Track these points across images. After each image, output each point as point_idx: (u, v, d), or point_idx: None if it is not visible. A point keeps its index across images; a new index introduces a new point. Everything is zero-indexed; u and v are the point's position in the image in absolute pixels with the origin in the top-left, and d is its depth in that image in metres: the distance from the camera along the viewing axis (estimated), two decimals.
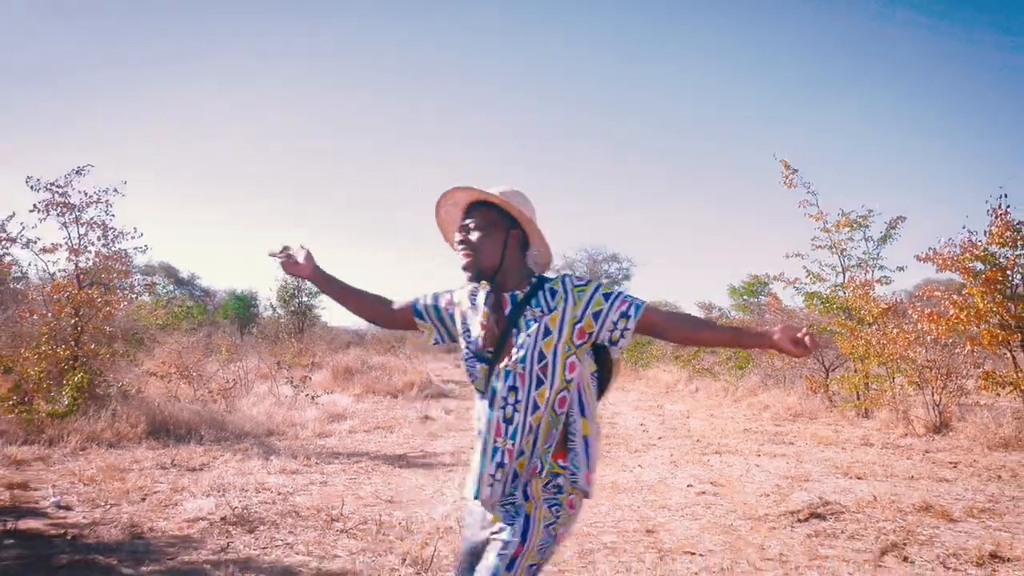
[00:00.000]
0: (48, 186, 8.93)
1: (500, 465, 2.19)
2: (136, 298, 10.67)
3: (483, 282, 2.36)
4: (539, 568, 2.13)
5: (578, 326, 2.22)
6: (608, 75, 55.89)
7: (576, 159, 64.60)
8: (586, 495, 2.23)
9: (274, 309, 22.48)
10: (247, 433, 8.66)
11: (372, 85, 56.70)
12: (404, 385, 14.59)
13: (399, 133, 59.91)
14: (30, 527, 4.69)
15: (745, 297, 23.44)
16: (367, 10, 52.92)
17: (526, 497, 2.17)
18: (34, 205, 8.87)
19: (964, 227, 9.07)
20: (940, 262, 9.06)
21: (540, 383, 2.20)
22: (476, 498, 2.23)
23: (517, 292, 2.32)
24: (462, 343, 2.38)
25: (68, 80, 44.81)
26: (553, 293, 2.27)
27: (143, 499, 5.53)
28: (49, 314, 8.93)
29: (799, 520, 5.06)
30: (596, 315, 2.22)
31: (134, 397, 8.97)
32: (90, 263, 9.07)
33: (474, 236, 2.31)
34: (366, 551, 4.32)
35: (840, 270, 12.49)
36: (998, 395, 9.24)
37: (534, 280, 2.33)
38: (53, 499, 5.45)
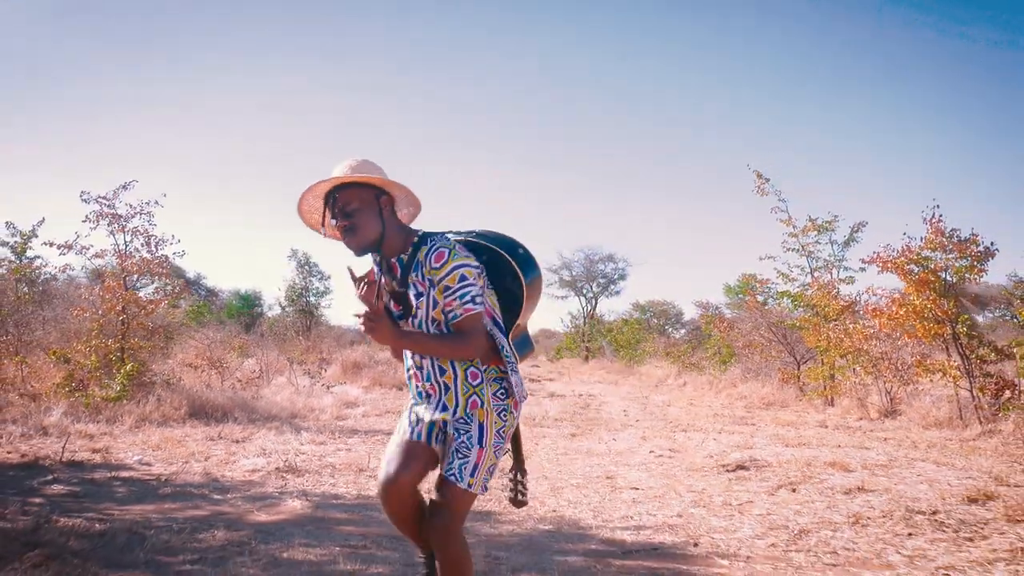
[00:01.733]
0: (98, 199, 10.54)
1: (427, 398, 2.70)
2: (175, 300, 12.30)
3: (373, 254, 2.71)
4: (495, 468, 2.62)
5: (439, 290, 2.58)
6: (604, 75, 57.44)
7: (572, 159, 66.15)
8: (519, 398, 2.69)
9: (283, 308, 24.10)
10: (274, 415, 10.23)
11: (373, 84, 58.25)
12: None
13: (398, 133, 61.40)
14: (129, 475, 6.27)
15: (739, 296, 24.99)
16: (372, 10, 54.48)
17: (468, 416, 2.62)
18: (86, 216, 10.47)
19: (904, 233, 10.64)
20: (881, 264, 10.63)
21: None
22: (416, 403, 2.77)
23: (403, 255, 2.66)
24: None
25: (72, 77, 46.41)
26: (422, 265, 2.59)
27: (206, 459, 7.10)
28: (99, 311, 10.52)
29: (727, 470, 6.64)
30: (445, 290, 2.55)
31: (175, 385, 10.57)
32: (135, 267, 10.67)
33: (353, 216, 2.57)
34: None
35: (808, 271, 14.07)
36: (931, 381, 10.78)
37: (415, 241, 2.65)
38: (136, 457, 7.05)
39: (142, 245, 10.70)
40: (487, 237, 2.82)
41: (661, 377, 20.89)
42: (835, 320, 12.62)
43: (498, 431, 2.62)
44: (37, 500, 5.22)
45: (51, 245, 10.56)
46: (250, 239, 62.61)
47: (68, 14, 47.36)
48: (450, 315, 2.56)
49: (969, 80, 46.27)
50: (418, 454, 2.65)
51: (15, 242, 15.36)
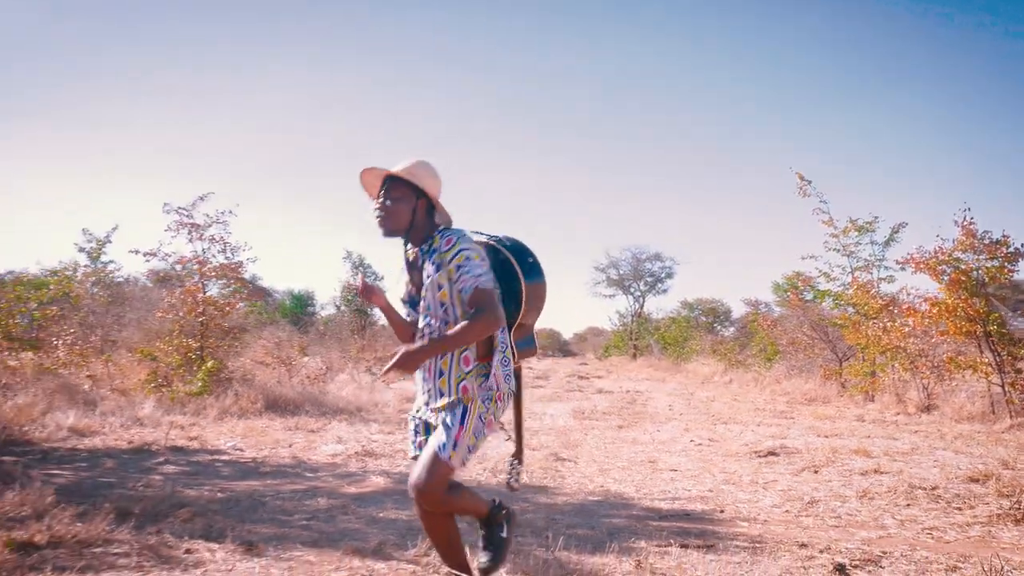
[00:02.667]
0: (178, 210, 11.66)
1: (424, 379, 3.02)
2: (250, 302, 13.45)
3: (400, 239, 3.10)
4: (475, 448, 2.92)
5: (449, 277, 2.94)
6: (652, 74, 57.92)
7: (622, 159, 66.75)
8: (498, 387, 2.99)
9: (338, 308, 25.28)
10: (342, 409, 11.25)
11: (425, 82, 59.43)
12: None
13: (447, 132, 62.51)
14: (227, 458, 7.30)
15: (786, 294, 25.60)
16: (431, 8, 55.69)
17: (458, 394, 2.93)
18: (168, 226, 11.60)
19: (937, 235, 11.34)
20: (915, 265, 11.34)
21: (446, 322, 2.96)
22: (418, 411, 3.11)
23: (424, 247, 3.05)
24: (401, 294, 3.18)
25: (127, 74, 48.35)
26: (434, 251, 2.98)
27: (290, 445, 8.12)
28: (180, 314, 11.64)
29: (759, 456, 7.48)
30: (450, 281, 2.94)
31: (250, 381, 11.65)
32: (212, 272, 11.79)
33: (388, 204, 3.01)
34: None
35: (849, 270, 14.74)
36: (963, 378, 11.45)
37: (432, 236, 3.05)
38: (229, 444, 8.09)
39: (219, 251, 11.81)
40: (503, 242, 3.23)
41: (707, 374, 21.62)
42: (875, 318, 13.31)
43: (479, 416, 2.92)
44: (158, 477, 6.24)
45: (137, 252, 11.70)
46: (302, 238, 64.31)
47: (123, 12, 49.27)
48: (463, 291, 2.90)
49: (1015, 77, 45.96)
50: None
51: (91, 248, 16.71)
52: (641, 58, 57.18)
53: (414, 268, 3.09)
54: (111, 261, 17.23)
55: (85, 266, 16.67)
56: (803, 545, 4.19)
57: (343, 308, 24.29)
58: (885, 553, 4.03)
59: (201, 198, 11.70)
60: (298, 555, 3.94)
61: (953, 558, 3.92)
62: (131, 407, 9.95)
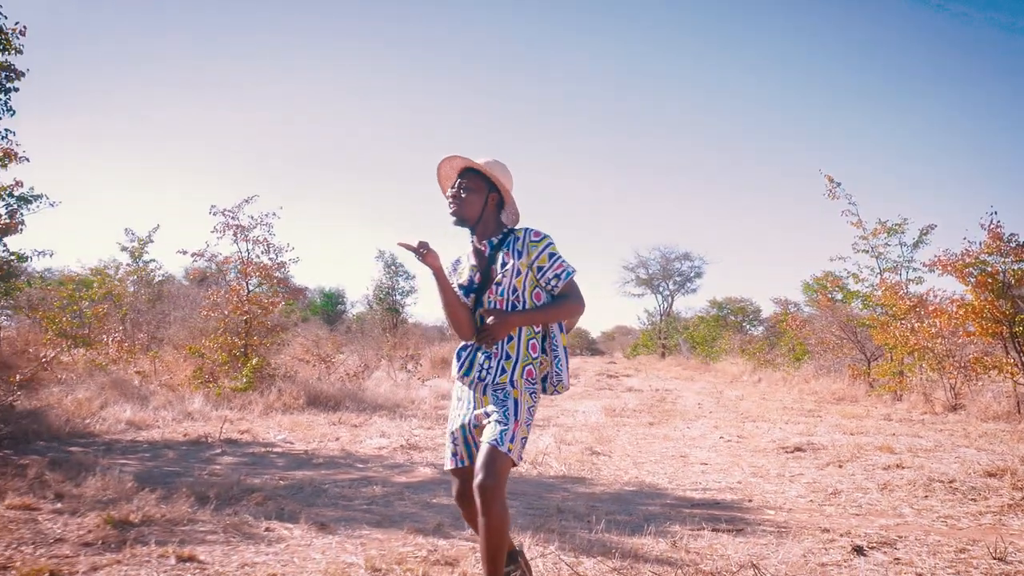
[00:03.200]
0: (223, 212, 12.21)
1: (488, 358, 3.07)
2: (291, 302, 14.02)
3: (467, 230, 3.23)
4: (525, 442, 3.00)
5: (532, 272, 3.11)
6: (680, 74, 58.05)
7: (650, 158, 66.89)
8: (566, 388, 3.18)
9: (371, 306, 25.88)
10: (380, 405, 11.75)
11: (459, 80, 59.98)
12: None
13: (478, 130, 63.00)
14: (280, 450, 7.80)
15: (816, 295, 25.88)
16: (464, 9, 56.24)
17: (512, 385, 3.01)
18: (214, 227, 12.16)
19: (964, 238, 11.65)
20: (942, 267, 11.66)
21: (514, 306, 3.09)
22: (466, 375, 3.13)
23: (492, 239, 3.20)
24: (455, 281, 3.23)
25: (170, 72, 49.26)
26: (516, 240, 3.14)
27: (337, 439, 8.61)
28: (225, 312, 12.20)
29: (786, 451, 7.87)
30: (540, 269, 3.10)
31: (292, 377, 12.19)
32: (256, 272, 12.35)
33: (462, 193, 3.16)
34: None
35: (878, 271, 15.06)
36: (989, 378, 11.76)
37: (505, 231, 3.22)
38: (280, 436, 8.60)
39: (263, 252, 12.36)
40: None
41: (736, 374, 21.97)
42: (903, 319, 13.62)
43: (528, 409, 3.03)
44: (218, 466, 6.74)
45: (184, 253, 12.28)
46: (333, 236, 65.01)
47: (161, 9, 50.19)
48: (561, 275, 3.11)
49: None
50: (471, 478, 2.97)
51: (133, 247, 17.33)
52: (671, 58, 57.30)
53: (481, 257, 3.19)
54: (152, 260, 17.92)
55: (127, 264, 17.36)
56: (825, 530, 4.60)
57: (375, 306, 24.87)
58: (900, 537, 4.43)
59: (247, 200, 12.25)
60: (366, 533, 4.41)
61: (963, 542, 4.31)
62: (180, 402, 10.50)
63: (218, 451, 7.59)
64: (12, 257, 8.95)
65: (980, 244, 11.33)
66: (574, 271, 3.15)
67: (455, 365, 3.22)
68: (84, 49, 45.94)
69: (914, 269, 14.66)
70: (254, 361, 11.60)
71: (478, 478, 2.83)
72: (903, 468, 6.76)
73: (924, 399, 12.79)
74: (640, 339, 44.10)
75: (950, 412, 11.89)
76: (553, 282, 3.11)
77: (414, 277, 25.54)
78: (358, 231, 67.23)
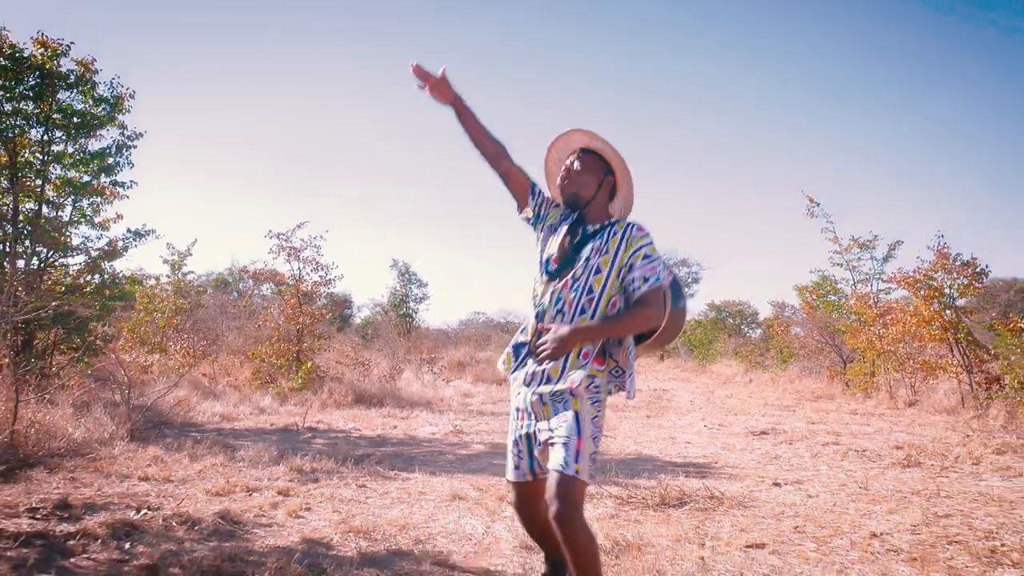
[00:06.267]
0: (277, 235, 14.93)
1: (537, 376, 3.09)
2: (337, 312, 16.76)
3: (574, 211, 3.23)
4: (596, 455, 2.96)
5: (622, 271, 3.05)
6: (679, 77, 60.78)
7: (649, 164, 69.68)
8: (631, 396, 3.08)
9: (385, 312, 28.59)
10: (415, 402, 14.43)
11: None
12: None
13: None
14: (355, 435, 10.50)
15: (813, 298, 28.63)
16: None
17: (572, 394, 2.97)
18: (269, 249, 14.89)
19: (918, 257, 14.42)
20: (897, 283, 14.43)
21: (583, 312, 3.03)
22: (514, 372, 3.21)
23: (590, 227, 3.17)
24: (537, 248, 3.25)
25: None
26: (614, 235, 3.08)
27: (394, 427, 11.30)
28: (280, 322, 14.91)
29: (753, 435, 10.61)
30: (630, 268, 3.04)
31: (340, 378, 14.91)
32: (307, 287, 15.07)
33: (582, 173, 3.19)
34: None
35: (852, 283, 17.85)
36: (936, 378, 14.52)
37: (606, 222, 3.17)
38: (350, 426, 11.30)
39: (312, 270, 15.09)
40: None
41: (729, 375, 24.74)
42: (871, 326, 16.38)
43: (592, 420, 2.96)
44: (317, 445, 9.43)
45: (253, 275, 15.01)
46: (339, 240, 67.53)
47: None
48: (649, 279, 3.02)
49: None
50: (531, 493, 3.14)
51: (174, 260, 20.00)
52: (667, 60, 60.06)
53: (572, 239, 3.17)
54: (190, 271, 20.58)
55: (166, 276, 20.03)
56: (761, 477, 7.33)
57: (390, 312, 27.56)
58: (808, 479, 7.18)
59: (299, 225, 14.99)
60: (461, 476, 7.13)
61: (846, 480, 7.06)
62: (250, 400, 13.20)
63: (309, 435, 10.27)
64: (124, 280, 11.67)
65: (928, 263, 14.09)
66: (667, 279, 3.11)
67: (509, 360, 3.28)
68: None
69: (883, 281, 17.44)
70: (308, 365, 14.30)
71: (553, 509, 2.80)
72: (837, 444, 9.49)
73: (889, 396, 15.52)
74: None
75: (909, 407, 14.61)
76: (638, 283, 3.03)
77: (426, 284, 28.27)
78: (361, 235, 69.92)
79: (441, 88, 3.26)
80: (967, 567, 4.34)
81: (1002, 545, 4.74)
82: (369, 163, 69.00)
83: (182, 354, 15.35)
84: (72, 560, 4.22)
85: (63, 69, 10.92)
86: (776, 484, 6.91)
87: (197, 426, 10.79)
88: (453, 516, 5.59)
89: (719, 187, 69.21)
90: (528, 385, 3.13)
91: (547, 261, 3.17)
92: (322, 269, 15.13)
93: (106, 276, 11.61)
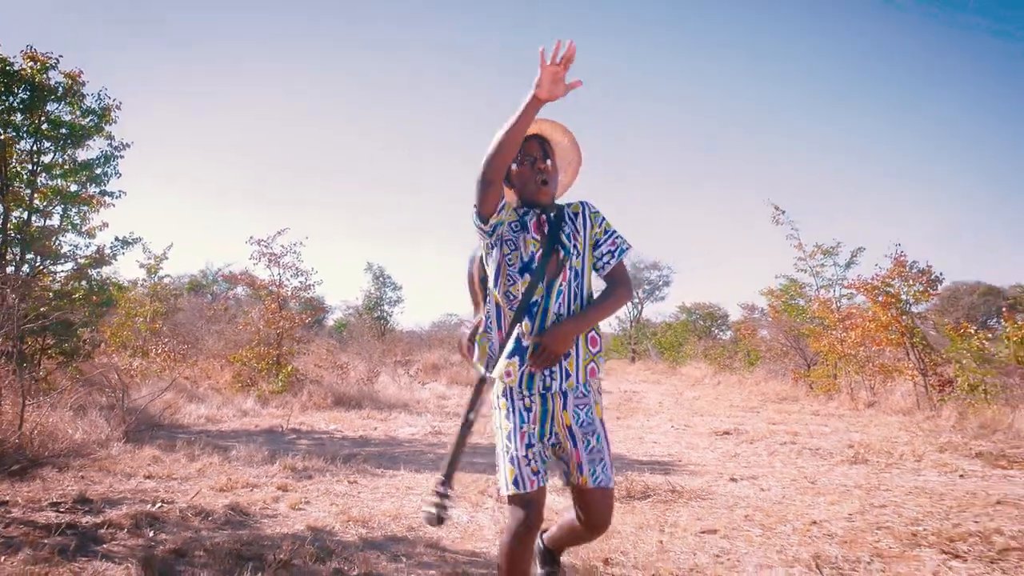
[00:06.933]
0: (258, 242, 15.49)
1: (536, 379, 3.02)
2: (316, 317, 17.34)
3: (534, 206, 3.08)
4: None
5: (591, 249, 3.06)
6: (647, 80, 61.72)
7: (622, 168, 70.68)
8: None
9: (359, 315, 29.19)
10: (392, 404, 15.03)
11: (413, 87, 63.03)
12: None
13: (453, 131, 66.10)
14: (339, 436, 11.10)
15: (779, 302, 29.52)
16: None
17: (585, 392, 3.00)
18: (251, 255, 15.46)
19: (876, 264, 15.25)
20: (857, 289, 15.25)
21: (577, 298, 3.00)
22: (525, 384, 3.04)
23: (550, 213, 3.05)
24: (497, 254, 3.03)
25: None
26: (575, 216, 3.05)
27: (375, 429, 11.91)
28: (260, 326, 15.47)
29: (717, 435, 11.33)
30: (596, 243, 3.06)
31: (319, 381, 15.49)
32: (287, 292, 15.64)
33: (553, 169, 3.06)
34: None
35: (816, 288, 18.68)
36: (893, 379, 15.35)
37: (560, 206, 3.11)
38: (331, 427, 11.90)
39: (292, 276, 15.67)
40: None
41: (699, 377, 25.55)
42: (833, 330, 17.21)
43: (602, 418, 3.02)
44: (301, 446, 10.03)
45: (227, 277, 15.56)
46: (311, 243, 67.97)
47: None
48: (614, 252, 3.04)
49: None
50: (543, 500, 3.02)
51: (150, 264, 20.48)
52: (638, 64, 60.95)
53: (542, 233, 3.03)
54: (166, 275, 21.07)
55: (143, 280, 20.51)
56: (720, 474, 8.04)
57: (364, 315, 28.15)
58: (763, 475, 7.90)
59: (279, 232, 15.56)
60: None
61: (797, 476, 7.78)
62: (232, 402, 13.76)
63: (293, 436, 10.87)
64: (111, 285, 12.22)
65: (885, 271, 14.92)
66: (629, 248, 3.09)
67: (514, 369, 3.05)
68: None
69: (844, 287, 18.28)
70: (288, 368, 14.88)
71: (603, 524, 2.99)
72: (793, 444, 10.23)
73: (850, 398, 16.33)
74: (611, 344, 47.84)
75: (868, 408, 15.42)
76: (606, 258, 3.04)
77: (400, 288, 28.89)
78: (334, 238, 70.32)
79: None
80: (890, 548, 5.05)
81: (923, 530, 5.47)
82: (344, 167, 69.37)
83: (163, 357, 15.92)
84: (105, 546, 4.83)
85: (52, 82, 11.45)
86: (733, 479, 7.62)
87: (184, 428, 11.32)
88: None
89: (693, 188, 70.23)
90: (536, 386, 3.02)
91: (531, 258, 2.97)
92: (302, 275, 15.73)
93: (94, 283, 12.12)
